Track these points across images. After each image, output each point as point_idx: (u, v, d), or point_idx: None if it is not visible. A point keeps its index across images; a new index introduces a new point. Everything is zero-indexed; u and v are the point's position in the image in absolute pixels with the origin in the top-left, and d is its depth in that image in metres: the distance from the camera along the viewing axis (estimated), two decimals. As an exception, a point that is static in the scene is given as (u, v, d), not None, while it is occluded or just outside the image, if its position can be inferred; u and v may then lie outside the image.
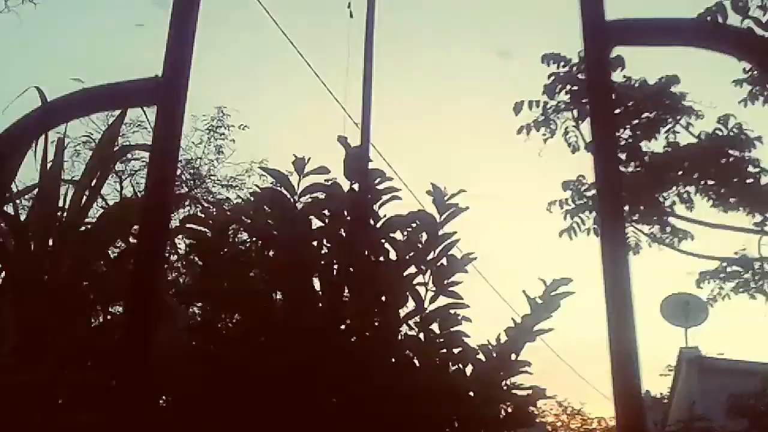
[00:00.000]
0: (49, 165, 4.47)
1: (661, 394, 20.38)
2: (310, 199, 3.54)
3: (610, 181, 1.13)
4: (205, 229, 3.57)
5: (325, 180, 3.63)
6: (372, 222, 3.59)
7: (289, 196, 3.49)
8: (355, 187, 3.55)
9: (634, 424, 1.13)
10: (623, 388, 1.18)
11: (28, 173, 4.69)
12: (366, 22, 3.48)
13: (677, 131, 11.82)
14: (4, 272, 4.36)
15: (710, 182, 11.77)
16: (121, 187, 12.70)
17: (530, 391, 3.61)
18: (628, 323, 1.20)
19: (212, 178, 14.93)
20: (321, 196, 3.58)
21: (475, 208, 4.11)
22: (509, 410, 3.59)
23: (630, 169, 11.87)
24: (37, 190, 4.69)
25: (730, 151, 11.44)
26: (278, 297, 3.70)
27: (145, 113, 5.75)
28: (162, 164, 1.11)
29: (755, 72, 8.99)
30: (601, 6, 1.11)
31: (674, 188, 12.05)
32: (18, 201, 4.93)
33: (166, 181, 1.14)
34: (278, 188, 3.56)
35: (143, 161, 12.75)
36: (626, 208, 12.28)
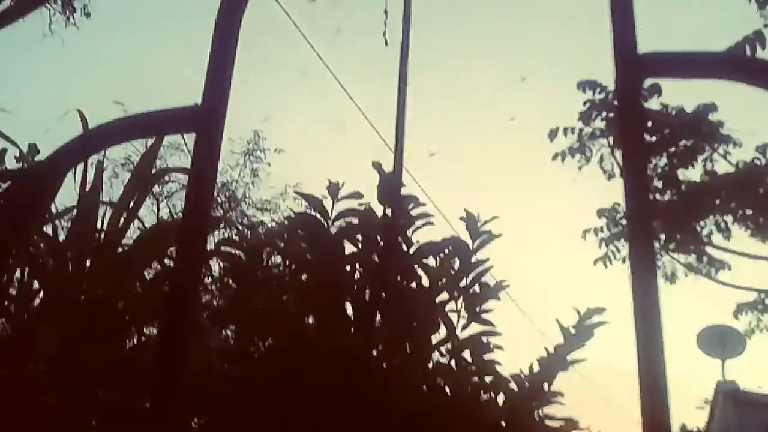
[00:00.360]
0: (88, 187, 4.54)
1: (697, 427, 20.03)
2: (343, 224, 3.56)
3: (640, 210, 1.13)
4: (240, 253, 3.60)
5: (358, 205, 3.65)
6: (405, 247, 3.59)
7: (323, 220, 3.51)
8: (389, 212, 3.56)
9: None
10: (651, 415, 1.17)
11: (67, 194, 4.77)
12: (401, 48, 3.50)
13: (715, 159, 11.72)
14: (42, 292, 4.43)
15: (748, 211, 11.62)
16: (158, 209, 12.87)
17: (563, 423, 3.57)
18: (657, 350, 1.19)
19: (247, 200, 15.06)
20: (354, 220, 3.59)
21: (509, 235, 4.10)
22: (541, 440, 3.56)
23: (667, 198, 11.77)
24: (75, 211, 4.76)
25: (769, 181, 11.30)
26: (310, 321, 3.71)
27: (183, 137, 5.84)
28: (199, 191, 1.13)
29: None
30: (633, 38, 1.12)
31: (711, 217, 11.91)
32: (57, 222, 5.01)
33: (203, 207, 1.16)
34: (312, 213, 3.58)
35: (180, 183, 12.91)
36: (662, 236, 12.17)
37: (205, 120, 1.15)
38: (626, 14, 1.10)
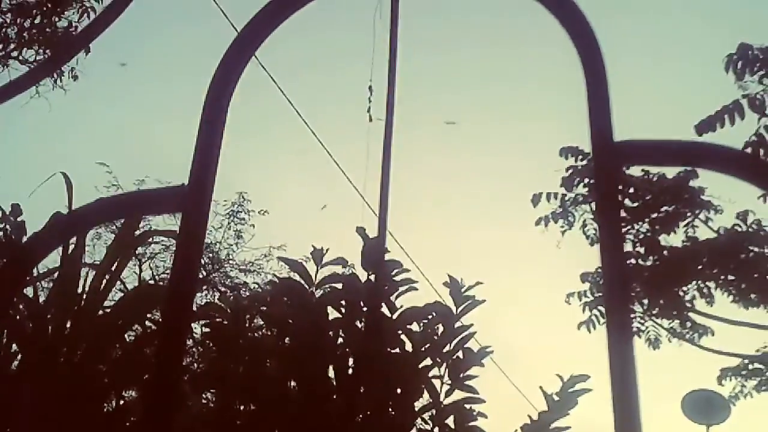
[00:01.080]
0: (70, 249, 4.53)
1: (683, 494, 19.75)
2: (327, 289, 3.56)
3: (617, 286, 1.14)
4: (222, 318, 3.59)
5: (342, 270, 3.66)
6: (389, 313, 3.59)
7: (306, 286, 3.51)
8: (372, 278, 3.57)
9: None
10: None
11: (49, 256, 4.75)
12: (386, 117, 3.56)
13: (696, 225, 11.81)
14: (20, 355, 4.38)
15: (730, 277, 11.68)
16: (140, 270, 12.78)
17: (547, 491, 3.53)
18: (633, 412, 1.19)
19: (231, 262, 14.99)
20: (338, 286, 3.59)
21: (493, 300, 4.10)
22: None
23: (649, 263, 11.83)
24: (57, 273, 4.74)
25: (750, 247, 11.39)
26: (293, 385, 3.68)
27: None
28: (185, 268, 1.14)
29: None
30: (609, 127, 1.15)
31: (694, 283, 11.95)
32: (38, 283, 4.98)
33: (188, 284, 1.16)
34: (296, 278, 3.59)
35: (163, 244, 12.86)
36: (645, 301, 12.18)
37: (192, 200, 1.16)
38: (602, 104, 1.14)
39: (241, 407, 3.71)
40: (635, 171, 11.41)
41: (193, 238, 1.15)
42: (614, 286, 1.08)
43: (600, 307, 11.71)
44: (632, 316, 11.39)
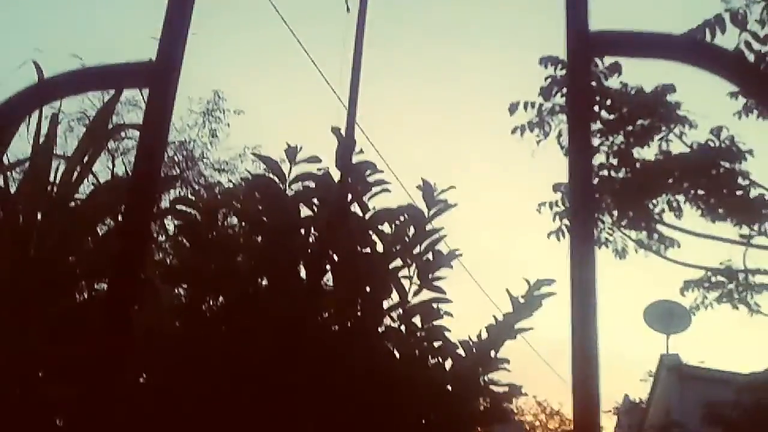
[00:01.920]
0: (41, 139, 4.47)
1: (639, 398, 20.52)
2: (301, 188, 3.57)
3: (582, 185, 1.16)
4: (195, 212, 3.59)
5: (317, 169, 3.66)
6: (361, 213, 3.61)
7: (279, 183, 3.51)
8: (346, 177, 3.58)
9: (589, 422, 1.16)
10: (582, 386, 1.20)
11: (21, 146, 4.69)
12: (358, 13, 3.50)
13: (670, 140, 11.88)
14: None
15: (700, 192, 11.83)
16: (113, 165, 12.70)
17: (507, 388, 3.65)
18: (590, 322, 1.23)
19: (205, 161, 14.92)
20: (311, 184, 3.60)
21: (465, 205, 4.14)
22: (486, 406, 3.63)
23: (621, 175, 11.93)
24: (28, 163, 4.69)
25: (722, 163, 11.51)
26: (263, 282, 3.72)
27: (141, 93, 5.76)
28: (150, 147, 1.13)
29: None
30: (585, 15, 1.14)
31: (664, 196, 12.10)
32: (8, 173, 4.93)
33: (153, 163, 1.16)
34: (269, 175, 3.58)
35: (136, 140, 12.74)
36: (615, 213, 12.35)
37: (159, 76, 1.14)
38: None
39: (212, 302, 3.76)
40: (613, 83, 11.38)
41: (159, 116, 1.14)
42: (580, 176, 1.10)
43: (569, 217, 11.84)
44: (596, 219, 11.55)
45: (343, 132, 3.54)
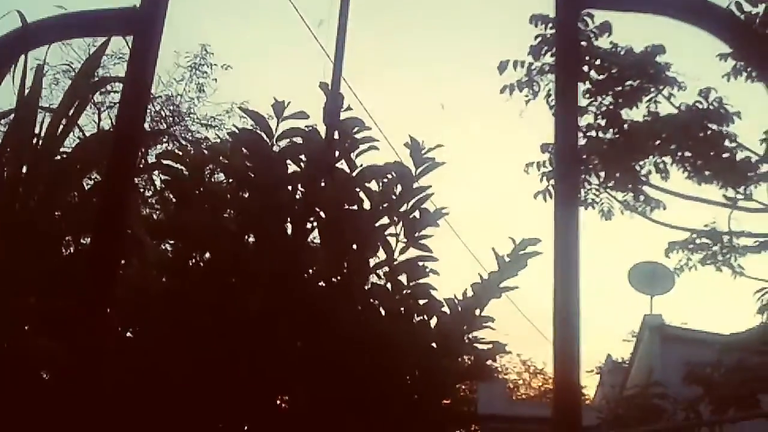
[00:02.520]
0: (26, 91, 4.42)
1: (622, 358, 20.77)
2: (288, 143, 3.55)
3: (567, 137, 1.16)
4: (181, 167, 3.57)
5: (304, 126, 3.64)
6: (348, 170, 3.60)
7: (267, 139, 3.49)
8: (334, 134, 3.56)
9: (569, 381, 1.17)
10: (563, 345, 1.22)
11: (4, 98, 4.64)
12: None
13: (659, 101, 11.88)
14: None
15: (687, 154, 11.87)
16: (99, 119, 12.59)
17: (491, 346, 3.68)
18: (572, 283, 1.24)
19: (192, 116, 14.81)
20: (299, 140, 3.58)
21: (453, 164, 4.14)
22: (470, 363, 3.67)
23: (609, 136, 11.94)
24: (12, 115, 4.63)
25: (709, 125, 11.53)
26: (250, 239, 3.72)
27: (128, 44, 5.67)
28: (134, 95, 1.12)
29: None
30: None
31: (651, 157, 12.14)
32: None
33: (137, 110, 1.15)
34: (257, 130, 3.56)
35: (123, 94, 12.61)
36: (602, 174, 12.38)
37: (143, 23, 1.13)
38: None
39: (197, 258, 3.76)
40: (603, 43, 11.33)
41: (143, 63, 1.13)
42: (565, 134, 1.10)
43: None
44: (582, 180, 11.54)
45: (330, 86, 3.51)
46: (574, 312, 1.23)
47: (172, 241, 3.97)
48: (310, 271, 3.54)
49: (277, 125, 3.51)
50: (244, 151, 3.54)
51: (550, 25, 10.73)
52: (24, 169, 4.37)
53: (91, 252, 1.28)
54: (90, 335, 1.27)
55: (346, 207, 3.60)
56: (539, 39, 11.02)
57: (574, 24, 1.11)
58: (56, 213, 4.54)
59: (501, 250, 3.81)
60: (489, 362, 3.66)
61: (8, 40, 1.26)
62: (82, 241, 4.91)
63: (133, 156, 1.21)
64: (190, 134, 14.14)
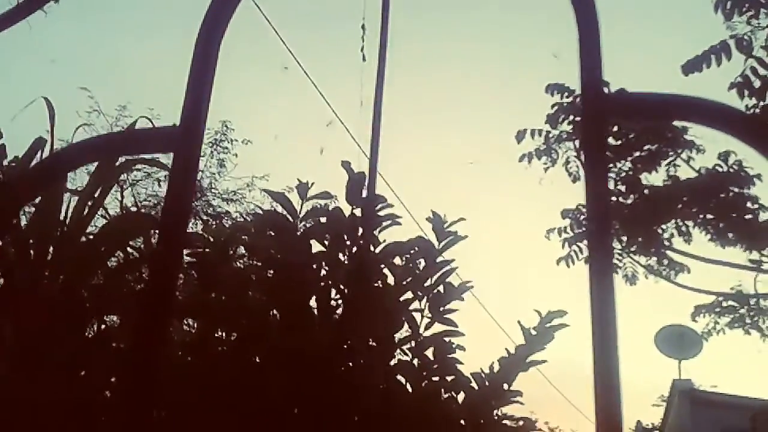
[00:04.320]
0: (53, 175, 4.49)
1: (652, 424, 20.38)
2: (311, 223, 3.58)
3: (600, 228, 1.16)
4: (205, 247, 3.60)
5: (325, 204, 3.67)
6: (371, 247, 3.62)
7: (291, 219, 3.52)
8: (357, 212, 3.59)
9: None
10: (605, 413, 1.20)
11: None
12: (378, 59, 3.54)
13: (678, 165, 11.89)
14: (2, 280, 4.38)
15: (709, 217, 11.82)
16: (122, 197, 12.75)
17: (521, 423, 3.63)
18: (611, 349, 1.23)
19: (213, 190, 14.97)
20: (322, 219, 3.61)
21: (476, 236, 4.14)
22: (500, 440, 3.61)
23: (629, 201, 11.93)
24: (39, 198, 4.71)
25: (730, 187, 11.51)
26: (275, 316, 3.72)
27: (151, 122, 5.79)
28: (176, 211, 1.14)
29: (756, 111, 9.08)
30: (599, 78, 1.15)
31: (673, 221, 12.09)
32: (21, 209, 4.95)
33: (179, 227, 1.17)
34: (280, 210, 3.60)
35: (145, 171, 12.81)
36: (624, 238, 12.33)
37: (183, 141, 1.16)
38: (593, 54, 1.13)
39: (223, 336, 3.76)
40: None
41: (185, 178, 1.15)
42: (598, 236, 1.10)
43: (579, 244, 11.85)
44: (613, 257, 11.43)
45: (357, 168, 3.56)
46: (614, 382, 1.22)
47: (195, 320, 3.98)
48: (336, 348, 3.52)
49: (302, 205, 3.55)
50: (269, 232, 3.57)
51: (566, 93, 10.85)
52: (50, 250, 4.42)
53: (134, 344, 1.29)
54: (135, 419, 1.27)
55: (370, 283, 3.60)
56: (555, 107, 11.13)
57: (602, 131, 1.12)
58: (82, 293, 4.58)
59: (526, 320, 3.79)
60: (519, 440, 3.60)
61: (45, 165, 1.29)
62: (105, 319, 4.94)
63: (176, 271, 1.23)
64: (211, 209, 14.28)
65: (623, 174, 11.71)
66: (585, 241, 11.88)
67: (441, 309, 3.69)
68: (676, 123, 11.47)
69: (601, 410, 1.20)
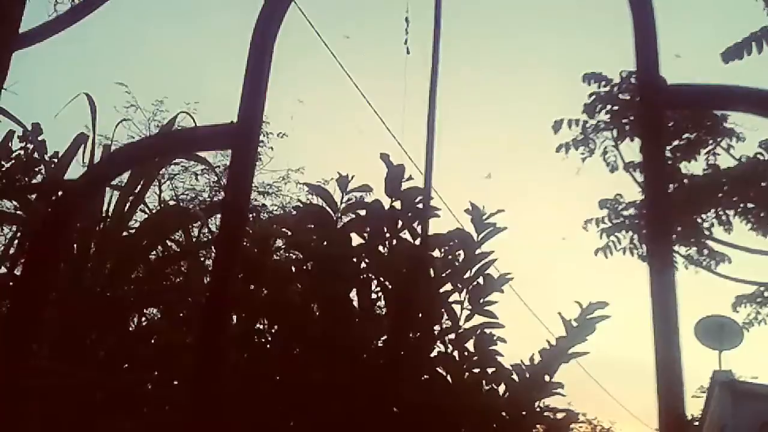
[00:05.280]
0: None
1: (692, 415, 20.16)
2: (352, 216, 3.58)
3: (659, 216, 1.14)
4: (247, 241, 3.62)
5: (361, 196, 3.67)
6: (411, 239, 3.61)
7: (331, 212, 3.53)
8: (396, 204, 3.58)
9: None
10: (668, 409, 1.19)
11: (74, 174, 4.79)
12: (432, 56, 3.52)
13: (718, 153, 11.73)
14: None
15: (750, 206, 11.65)
16: (161, 191, 12.87)
17: (563, 414, 3.60)
18: (673, 345, 1.21)
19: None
20: (362, 212, 3.61)
21: (514, 227, 4.12)
22: (542, 432, 3.59)
23: (669, 190, 11.80)
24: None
25: (771, 176, 11.33)
26: (315, 309, 3.73)
27: (192, 117, 5.83)
28: (236, 204, 1.15)
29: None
30: (656, 69, 1.13)
31: (713, 211, 11.93)
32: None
33: (239, 222, 1.17)
34: (320, 204, 3.60)
35: (183, 165, 12.92)
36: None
37: (241, 137, 1.16)
38: (649, 45, 1.12)
39: (264, 328, 3.78)
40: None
41: (243, 174, 1.16)
42: (657, 230, 1.09)
43: (617, 234, 11.75)
44: (673, 251, 11.32)
45: (396, 161, 3.55)
46: (676, 370, 1.20)
47: (237, 315, 4.01)
48: (378, 341, 3.53)
49: (342, 199, 3.55)
50: (310, 225, 3.58)
51: (603, 83, 10.74)
52: (92, 246, 4.48)
53: (200, 340, 1.29)
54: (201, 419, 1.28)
55: (411, 276, 3.60)
56: (593, 97, 11.02)
57: (659, 124, 1.11)
58: (124, 287, 4.63)
59: (566, 311, 3.76)
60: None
61: (102, 166, 1.31)
62: (145, 313, 5.00)
63: (236, 264, 1.23)
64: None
65: (662, 163, 11.58)
66: (622, 232, 11.77)
67: (480, 301, 3.67)
68: (715, 111, 11.31)
69: (664, 406, 1.19)
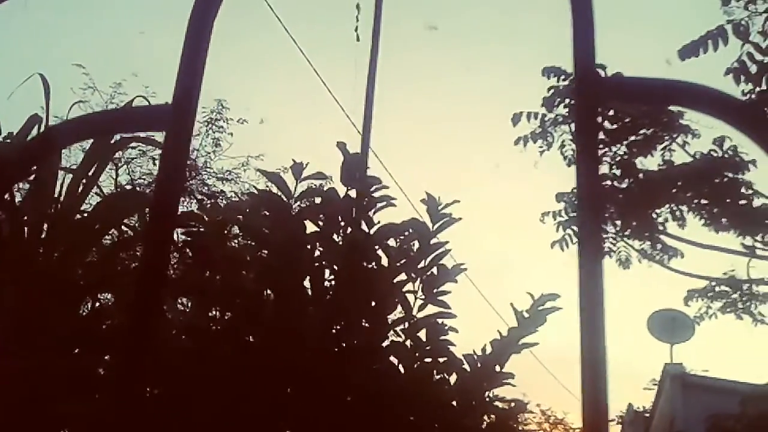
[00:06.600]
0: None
1: (643, 407, 20.49)
2: (306, 203, 3.58)
3: (590, 211, 1.17)
4: (201, 226, 3.61)
5: (319, 184, 3.67)
6: (366, 228, 3.62)
7: (285, 199, 3.52)
8: (351, 193, 3.59)
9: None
10: (591, 395, 1.21)
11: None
12: (372, 37, 3.53)
13: (673, 149, 11.90)
14: (-3, 257, 4.38)
15: (703, 202, 11.85)
16: (117, 175, 12.71)
17: (512, 404, 3.65)
18: (598, 332, 1.24)
19: (208, 170, 14.93)
20: (317, 200, 3.61)
21: (470, 218, 4.15)
22: (491, 421, 3.63)
23: (624, 185, 11.94)
24: (34, 176, 4.71)
25: (725, 173, 11.52)
26: (269, 296, 3.73)
27: (147, 100, 5.77)
28: (167, 189, 1.15)
29: (752, 97, 9.10)
30: (592, 60, 1.15)
31: (667, 206, 12.12)
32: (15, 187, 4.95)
33: (170, 205, 1.17)
34: (274, 191, 3.59)
35: (140, 150, 12.78)
36: (618, 223, 12.36)
37: (176, 119, 1.16)
38: (587, 36, 1.14)
39: (217, 315, 3.77)
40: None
41: (177, 156, 1.16)
42: (588, 219, 1.11)
43: (573, 227, 11.88)
44: (604, 238, 11.47)
45: (352, 149, 3.55)
46: (601, 366, 1.23)
47: (189, 299, 3.99)
48: (330, 329, 3.54)
49: (296, 186, 3.54)
50: (263, 211, 3.57)
51: (562, 77, 10.83)
52: (45, 228, 4.42)
53: (130, 319, 1.29)
54: (123, 397, 1.27)
55: (364, 264, 3.61)
56: (551, 91, 11.11)
57: (594, 115, 1.13)
58: (76, 271, 4.58)
59: (519, 302, 3.80)
60: (511, 422, 3.63)
61: (37, 142, 1.30)
62: (99, 297, 4.95)
63: (167, 250, 1.23)
64: (206, 188, 14.26)
65: (618, 158, 11.72)
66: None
67: (434, 291, 3.70)
68: (671, 108, 11.46)
69: (587, 396, 1.21)
